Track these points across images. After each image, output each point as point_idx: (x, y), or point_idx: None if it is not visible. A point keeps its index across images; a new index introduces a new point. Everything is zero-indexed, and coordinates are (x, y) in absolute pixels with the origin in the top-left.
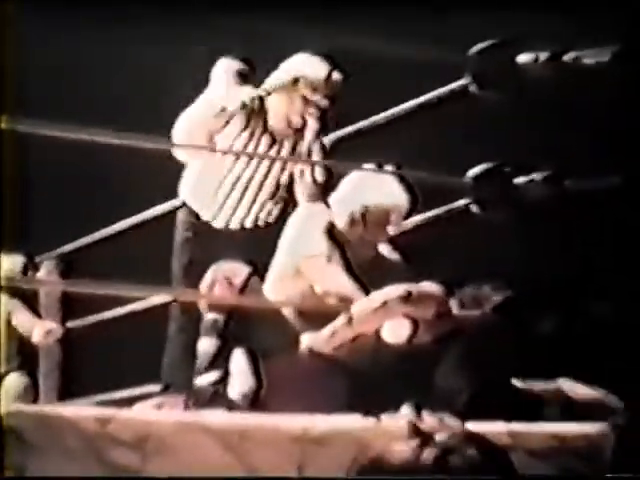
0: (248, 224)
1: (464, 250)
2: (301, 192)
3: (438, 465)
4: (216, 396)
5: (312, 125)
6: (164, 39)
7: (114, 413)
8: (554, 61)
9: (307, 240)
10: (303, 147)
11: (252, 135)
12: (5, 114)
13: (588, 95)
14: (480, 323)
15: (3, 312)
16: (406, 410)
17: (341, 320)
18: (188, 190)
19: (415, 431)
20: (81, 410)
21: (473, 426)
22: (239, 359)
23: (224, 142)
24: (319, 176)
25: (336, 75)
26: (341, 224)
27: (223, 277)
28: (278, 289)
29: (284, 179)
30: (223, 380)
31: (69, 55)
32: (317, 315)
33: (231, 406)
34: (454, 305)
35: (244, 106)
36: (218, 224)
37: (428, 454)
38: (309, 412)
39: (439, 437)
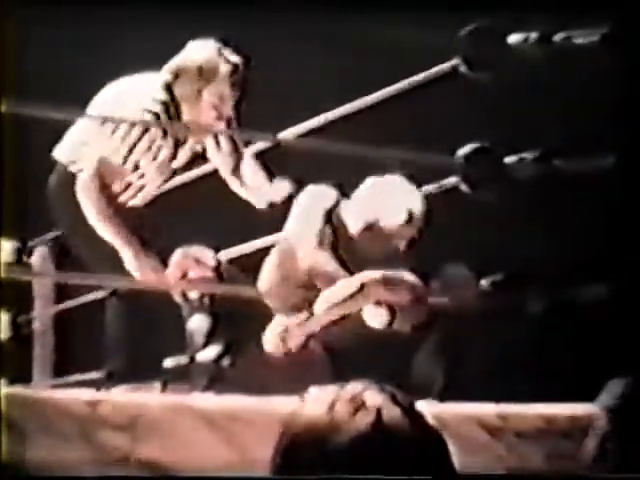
0: None
1: (452, 229)
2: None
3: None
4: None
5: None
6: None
7: (104, 396)
8: (544, 41)
9: (308, 220)
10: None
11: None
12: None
13: (578, 75)
14: (458, 309)
15: None
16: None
17: (319, 306)
18: None
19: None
20: (71, 393)
21: (463, 407)
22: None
23: None
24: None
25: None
26: (351, 229)
27: (193, 259)
28: (276, 261)
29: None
30: (224, 355)
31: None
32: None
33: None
34: (430, 293)
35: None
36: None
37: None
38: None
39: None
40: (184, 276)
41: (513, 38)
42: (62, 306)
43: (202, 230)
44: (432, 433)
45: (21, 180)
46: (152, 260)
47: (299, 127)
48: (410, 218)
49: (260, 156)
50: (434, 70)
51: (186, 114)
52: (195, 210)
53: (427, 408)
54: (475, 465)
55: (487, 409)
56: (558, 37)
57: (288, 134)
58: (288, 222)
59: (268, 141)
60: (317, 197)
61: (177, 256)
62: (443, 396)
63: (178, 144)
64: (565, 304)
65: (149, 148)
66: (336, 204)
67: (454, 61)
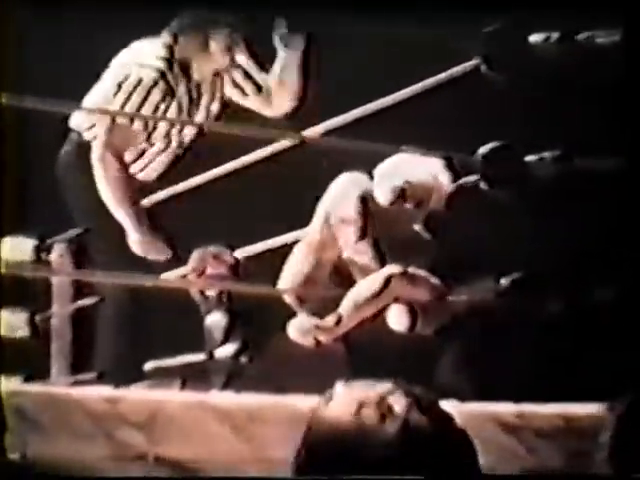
0: None
1: (472, 228)
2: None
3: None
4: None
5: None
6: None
7: (123, 393)
8: (566, 41)
9: (343, 204)
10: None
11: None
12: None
13: (599, 74)
14: (477, 309)
15: None
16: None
17: (346, 306)
18: None
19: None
20: (90, 390)
21: (481, 407)
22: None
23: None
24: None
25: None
26: (383, 199)
27: (211, 257)
28: (307, 252)
29: None
30: (242, 351)
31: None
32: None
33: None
34: (450, 293)
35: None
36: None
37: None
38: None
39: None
40: (202, 274)
41: (534, 38)
42: (80, 303)
43: (220, 229)
44: (458, 435)
45: (37, 177)
46: (158, 241)
47: (321, 126)
48: (437, 187)
49: (283, 154)
50: (455, 69)
51: (196, 72)
52: (213, 209)
53: (447, 408)
54: (494, 465)
55: (506, 408)
56: (579, 37)
57: (311, 132)
58: (323, 207)
59: (293, 139)
60: (351, 183)
61: (195, 254)
62: (465, 397)
63: (192, 104)
64: (585, 303)
65: (155, 110)
66: (369, 187)
67: (475, 60)
